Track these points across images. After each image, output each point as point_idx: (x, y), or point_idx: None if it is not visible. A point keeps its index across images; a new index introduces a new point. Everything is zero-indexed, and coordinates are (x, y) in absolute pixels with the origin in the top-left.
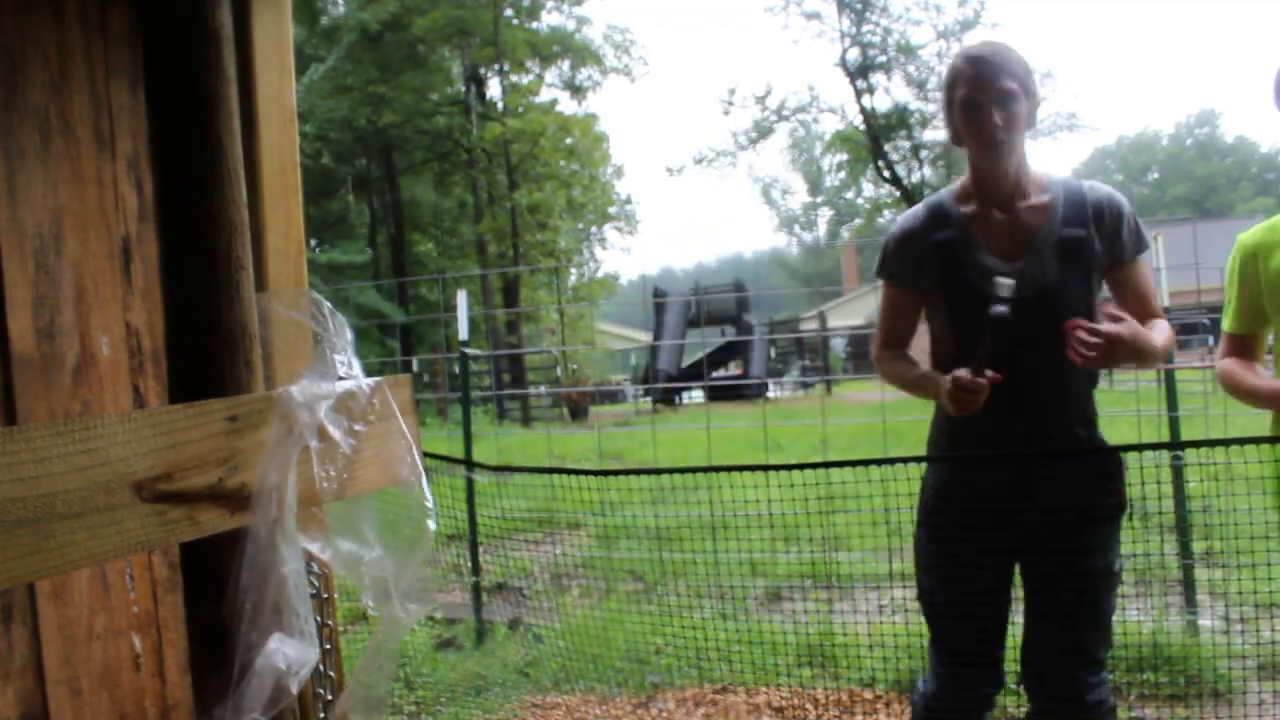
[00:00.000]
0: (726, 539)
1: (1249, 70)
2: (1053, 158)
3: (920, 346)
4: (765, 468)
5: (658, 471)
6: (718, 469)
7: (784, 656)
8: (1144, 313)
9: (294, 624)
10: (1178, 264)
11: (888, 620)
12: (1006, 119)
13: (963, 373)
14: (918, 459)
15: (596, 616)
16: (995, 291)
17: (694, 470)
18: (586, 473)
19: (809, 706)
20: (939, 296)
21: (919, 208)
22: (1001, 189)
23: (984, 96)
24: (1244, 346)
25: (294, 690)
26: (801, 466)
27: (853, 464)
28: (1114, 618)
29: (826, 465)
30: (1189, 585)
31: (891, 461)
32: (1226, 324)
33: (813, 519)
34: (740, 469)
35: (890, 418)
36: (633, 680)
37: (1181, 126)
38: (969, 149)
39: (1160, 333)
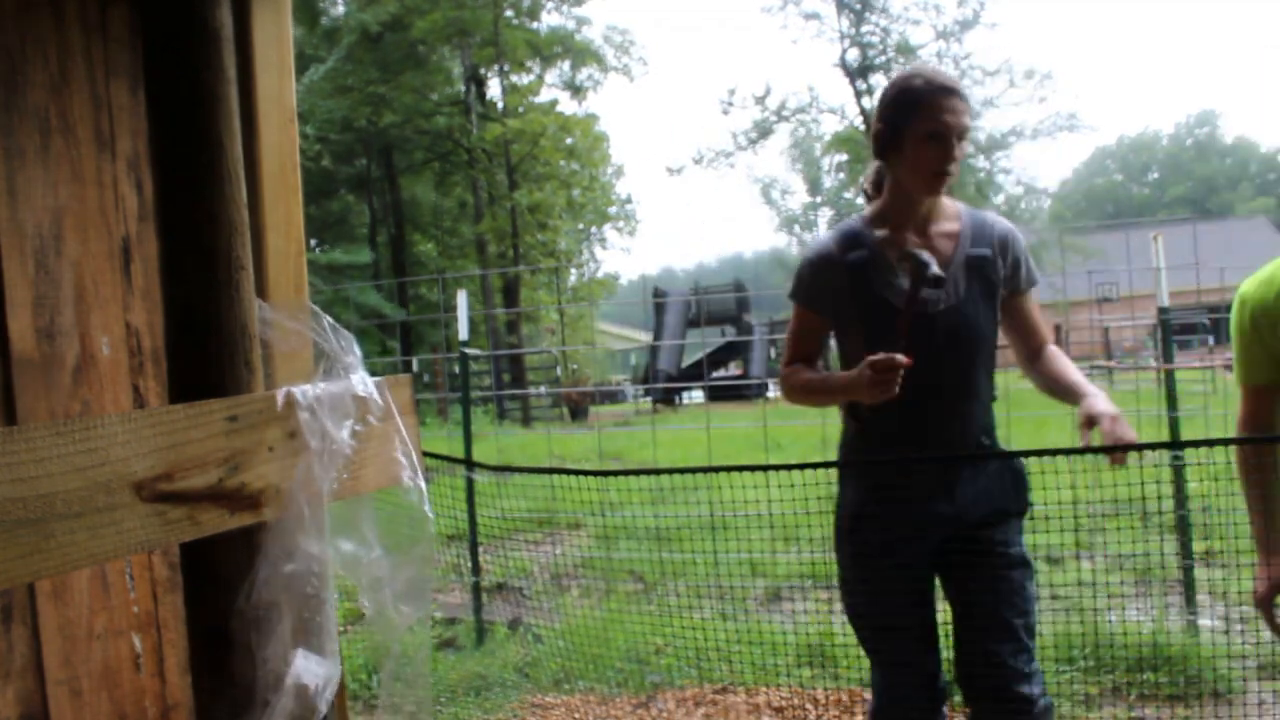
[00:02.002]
0: (726, 539)
1: (1249, 70)
2: (1053, 158)
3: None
4: (765, 468)
5: (657, 472)
6: (717, 469)
7: (784, 656)
8: (1036, 340)
9: (316, 639)
10: (1178, 264)
11: None
12: (960, 156)
13: (878, 355)
14: (922, 459)
15: (596, 616)
16: (926, 270)
17: (693, 470)
18: (586, 473)
19: (809, 706)
20: (854, 318)
21: (831, 234)
22: (921, 215)
23: (951, 132)
24: (1264, 398)
25: (323, 710)
26: (802, 466)
27: (853, 465)
28: (1036, 610)
29: (827, 465)
30: (1189, 585)
31: (892, 463)
32: (1240, 375)
33: (812, 519)
34: (740, 469)
35: None
36: (633, 680)
37: (1181, 126)
38: (904, 175)
39: (1067, 367)
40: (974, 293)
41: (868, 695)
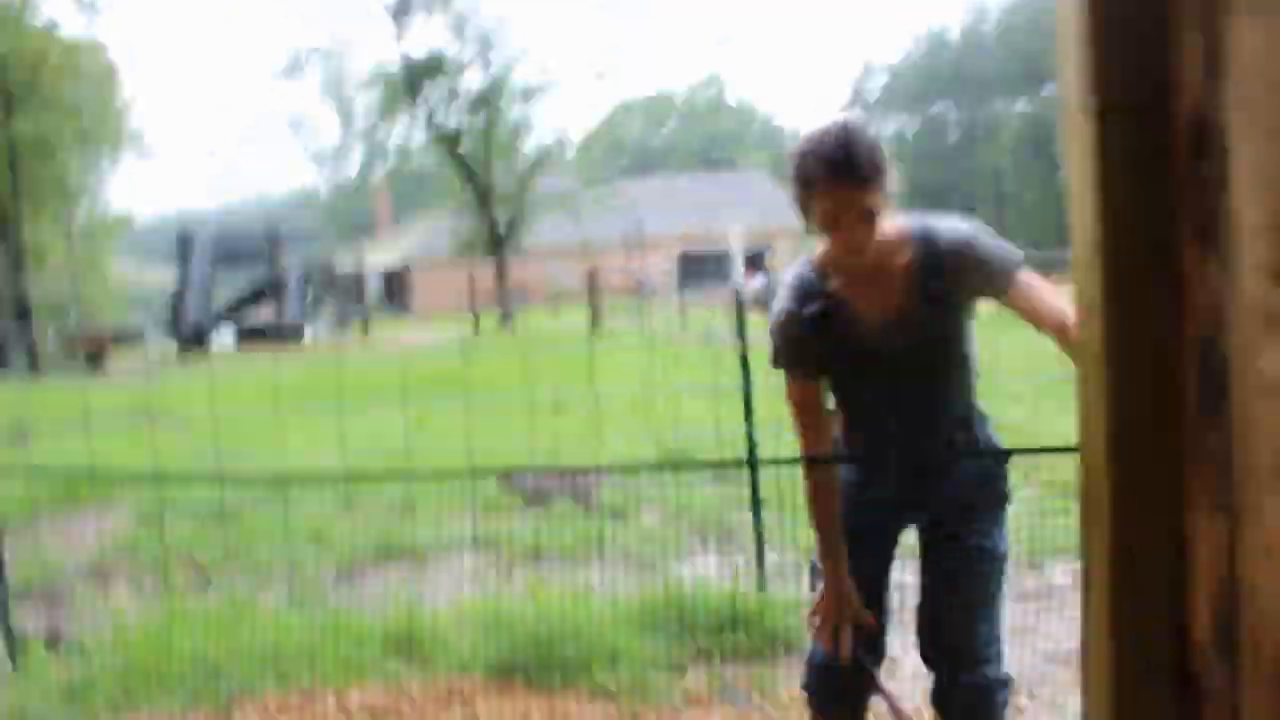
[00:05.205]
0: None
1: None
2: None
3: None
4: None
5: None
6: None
7: (369, 648)
8: (1045, 311)
9: None
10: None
11: None
12: (869, 230)
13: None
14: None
15: (154, 619)
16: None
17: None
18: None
19: (404, 707)
20: (827, 367)
21: (785, 291)
22: (861, 266)
23: (847, 214)
24: None
25: None
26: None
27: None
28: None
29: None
30: None
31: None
32: None
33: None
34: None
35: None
36: (206, 694)
37: (695, 89)
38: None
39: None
40: (932, 322)
41: (464, 687)
